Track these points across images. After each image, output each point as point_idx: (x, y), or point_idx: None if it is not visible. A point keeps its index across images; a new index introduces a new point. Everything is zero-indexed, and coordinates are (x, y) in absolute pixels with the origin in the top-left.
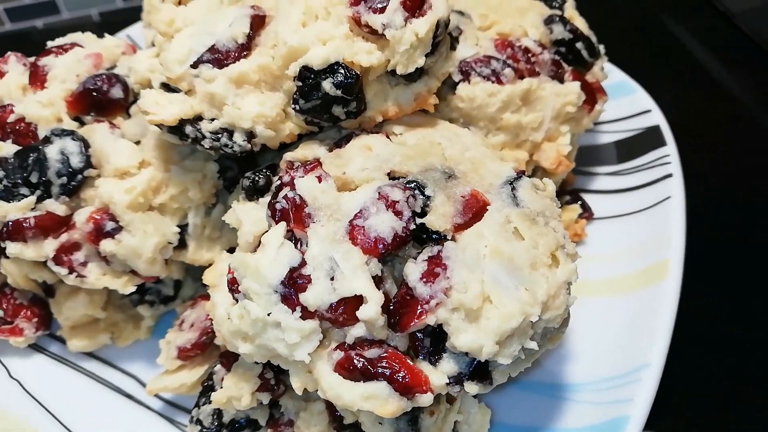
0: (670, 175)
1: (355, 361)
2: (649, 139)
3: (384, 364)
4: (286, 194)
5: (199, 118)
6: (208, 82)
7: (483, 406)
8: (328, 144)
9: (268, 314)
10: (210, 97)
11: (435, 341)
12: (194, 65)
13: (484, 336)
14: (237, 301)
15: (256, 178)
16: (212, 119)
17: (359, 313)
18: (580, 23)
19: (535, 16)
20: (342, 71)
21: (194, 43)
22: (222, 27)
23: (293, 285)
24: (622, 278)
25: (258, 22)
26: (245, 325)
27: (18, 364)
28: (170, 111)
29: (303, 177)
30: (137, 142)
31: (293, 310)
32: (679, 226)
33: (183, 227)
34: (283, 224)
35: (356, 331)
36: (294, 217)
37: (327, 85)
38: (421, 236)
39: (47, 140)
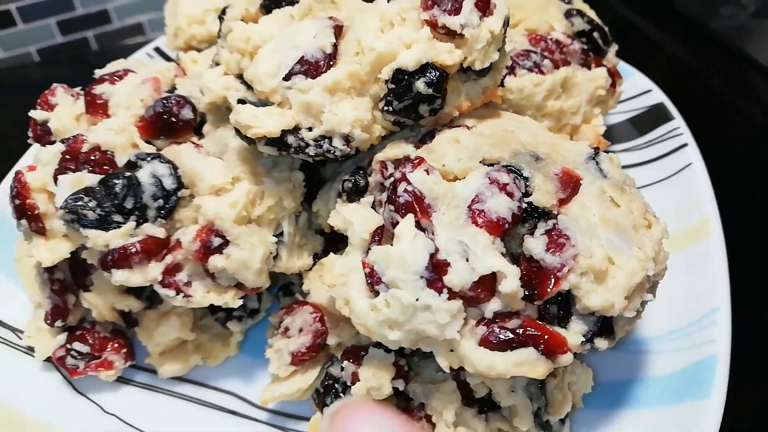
0: (685, 145)
1: (500, 333)
2: (656, 115)
3: (527, 332)
4: (405, 188)
5: (297, 128)
6: (303, 92)
7: (585, 366)
8: (413, 142)
9: (416, 299)
10: (307, 107)
11: (562, 307)
12: (286, 77)
13: (614, 294)
14: (378, 293)
15: (357, 180)
16: (309, 128)
17: (502, 287)
18: (592, 14)
19: (555, 11)
20: (432, 71)
21: (281, 56)
22: (305, 39)
23: (436, 269)
24: (669, 239)
25: (338, 32)
26: (394, 313)
27: (108, 399)
28: (272, 123)
29: (413, 172)
30: None
31: (440, 293)
32: (708, 187)
33: (277, 237)
34: (411, 216)
35: (493, 306)
36: (419, 209)
37: (420, 84)
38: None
39: (133, 165)
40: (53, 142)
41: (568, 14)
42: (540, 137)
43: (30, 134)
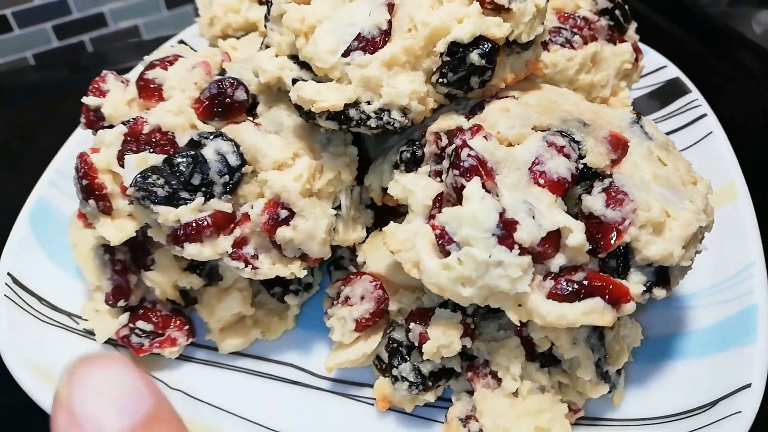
0: (704, 115)
1: (567, 285)
2: (672, 89)
3: (593, 283)
4: (468, 153)
5: (357, 102)
6: (362, 67)
7: (634, 321)
8: (463, 113)
9: (489, 256)
10: (366, 81)
11: (621, 260)
12: (345, 54)
13: (672, 243)
14: (449, 253)
15: (415, 150)
16: (367, 102)
17: (568, 241)
18: None
19: None
20: (485, 43)
21: (339, 34)
22: (361, 17)
23: (506, 227)
24: None
25: (390, 9)
26: (467, 270)
27: (171, 375)
28: (334, 97)
29: (473, 139)
30: None
31: (511, 249)
32: (730, 152)
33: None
34: (477, 178)
35: (558, 261)
36: (483, 172)
37: (474, 56)
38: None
39: (197, 144)
40: (105, 128)
41: None
42: (581, 106)
43: (82, 120)
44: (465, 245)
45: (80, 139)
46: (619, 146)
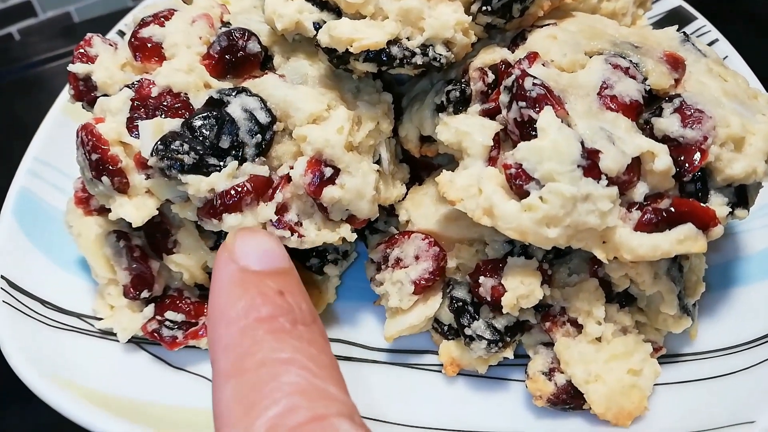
0: (716, 40)
1: (655, 214)
2: (677, 17)
3: (681, 209)
4: (533, 82)
5: (397, 39)
6: None
7: None
8: (504, 45)
9: (578, 189)
10: (405, 14)
11: (699, 182)
12: None
13: (755, 159)
14: (527, 193)
15: (464, 89)
16: (407, 38)
17: (655, 166)
18: None
19: None
20: None
21: None
22: None
23: (590, 156)
24: None
25: None
26: (554, 208)
27: (208, 368)
28: (375, 34)
29: (532, 67)
30: None
31: (598, 180)
32: (748, 70)
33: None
34: (549, 108)
35: (641, 189)
36: (554, 100)
37: None
38: None
39: (219, 103)
40: (97, 98)
41: None
42: (622, 30)
43: (70, 93)
44: (548, 181)
45: (54, 122)
46: (678, 65)
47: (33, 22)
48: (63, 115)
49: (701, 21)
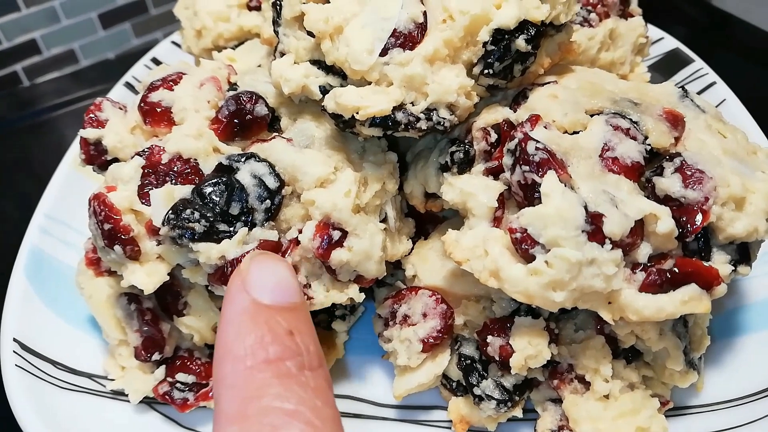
0: (714, 83)
1: (659, 275)
2: (674, 60)
3: (685, 269)
4: (536, 146)
5: (402, 104)
6: (404, 65)
7: None
8: (506, 104)
9: (583, 255)
10: (409, 80)
11: (702, 241)
12: (383, 53)
13: (756, 218)
14: (533, 257)
15: (467, 150)
16: (411, 103)
17: (658, 228)
18: None
19: None
20: (530, 27)
21: (373, 31)
22: (393, 11)
23: (594, 220)
24: None
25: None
26: (559, 273)
27: None
28: (381, 101)
29: (534, 130)
30: None
31: (602, 244)
32: (748, 116)
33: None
34: (552, 172)
35: (645, 251)
36: (556, 164)
37: (521, 42)
38: None
39: (229, 169)
40: (108, 162)
41: None
42: (621, 84)
43: (81, 156)
44: (553, 246)
45: (65, 178)
46: (678, 123)
47: (38, 59)
48: (72, 170)
49: (699, 63)
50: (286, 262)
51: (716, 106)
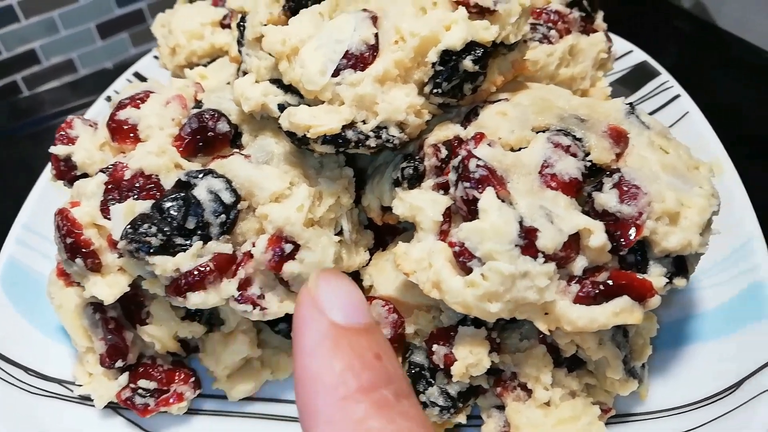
0: (678, 96)
1: (593, 287)
2: (641, 72)
3: (618, 282)
4: (477, 164)
5: (353, 122)
6: (354, 85)
7: (649, 312)
8: (457, 121)
9: (516, 268)
10: (360, 100)
11: (639, 254)
12: (335, 74)
13: (690, 232)
14: (470, 269)
15: (417, 166)
16: (362, 121)
17: (591, 242)
18: None
19: None
20: (477, 48)
21: (326, 53)
22: (346, 34)
23: (528, 235)
24: None
25: (375, 21)
26: (494, 285)
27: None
28: (331, 120)
29: (477, 148)
30: None
31: (535, 258)
32: (709, 130)
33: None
34: (490, 189)
35: (580, 264)
36: (495, 181)
37: (468, 63)
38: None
39: (186, 185)
40: (77, 177)
41: None
42: (573, 101)
43: (52, 172)
44: (488, 260)
45: (43, 190)
46: (620, 139)
47: (37, 69)
48: (51, 183)
49: (665, 76)
50: (349, 278)
51: (678, 120)
